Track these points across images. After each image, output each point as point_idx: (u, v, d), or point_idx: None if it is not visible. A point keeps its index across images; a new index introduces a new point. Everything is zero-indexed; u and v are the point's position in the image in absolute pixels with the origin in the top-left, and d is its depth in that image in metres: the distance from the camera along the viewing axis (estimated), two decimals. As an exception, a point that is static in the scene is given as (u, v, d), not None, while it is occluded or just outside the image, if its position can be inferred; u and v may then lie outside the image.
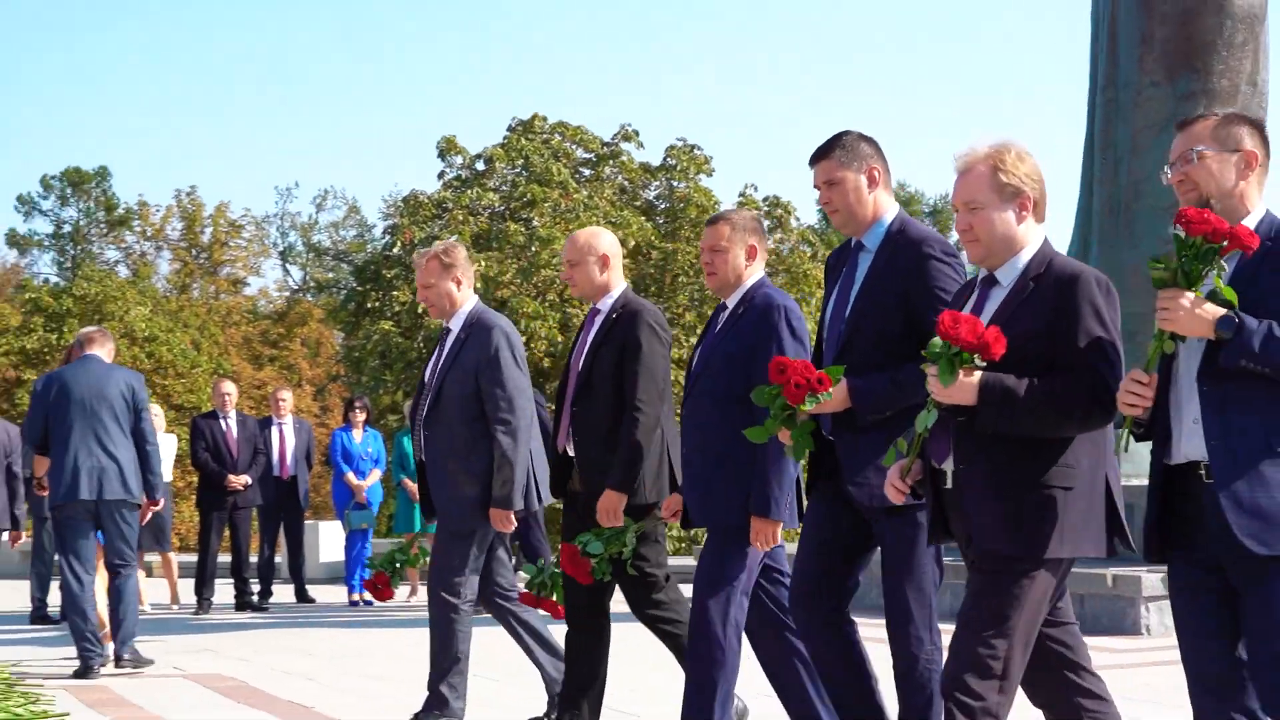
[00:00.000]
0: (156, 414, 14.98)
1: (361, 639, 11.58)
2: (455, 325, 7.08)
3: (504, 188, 33.45)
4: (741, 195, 36.78)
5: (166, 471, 14.45)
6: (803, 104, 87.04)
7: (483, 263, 28.15)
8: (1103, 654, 9.29)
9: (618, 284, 6.65)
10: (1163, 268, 3.96)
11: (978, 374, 4.27)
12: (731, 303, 5.90)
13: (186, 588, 15.01)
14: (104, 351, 9.76)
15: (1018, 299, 4.42)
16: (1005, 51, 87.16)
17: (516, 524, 7.11)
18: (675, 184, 35.40)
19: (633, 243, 32.29)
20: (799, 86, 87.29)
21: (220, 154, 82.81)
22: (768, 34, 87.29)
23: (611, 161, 35.30)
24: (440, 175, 34.87)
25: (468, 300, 7.15)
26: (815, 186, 5.35)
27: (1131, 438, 4.14)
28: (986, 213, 4.46)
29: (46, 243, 56.67)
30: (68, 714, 7.21)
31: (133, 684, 8.77)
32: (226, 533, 14.59)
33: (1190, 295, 3.90)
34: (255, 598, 14.49)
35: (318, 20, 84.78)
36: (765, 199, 36.41)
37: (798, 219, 37.54)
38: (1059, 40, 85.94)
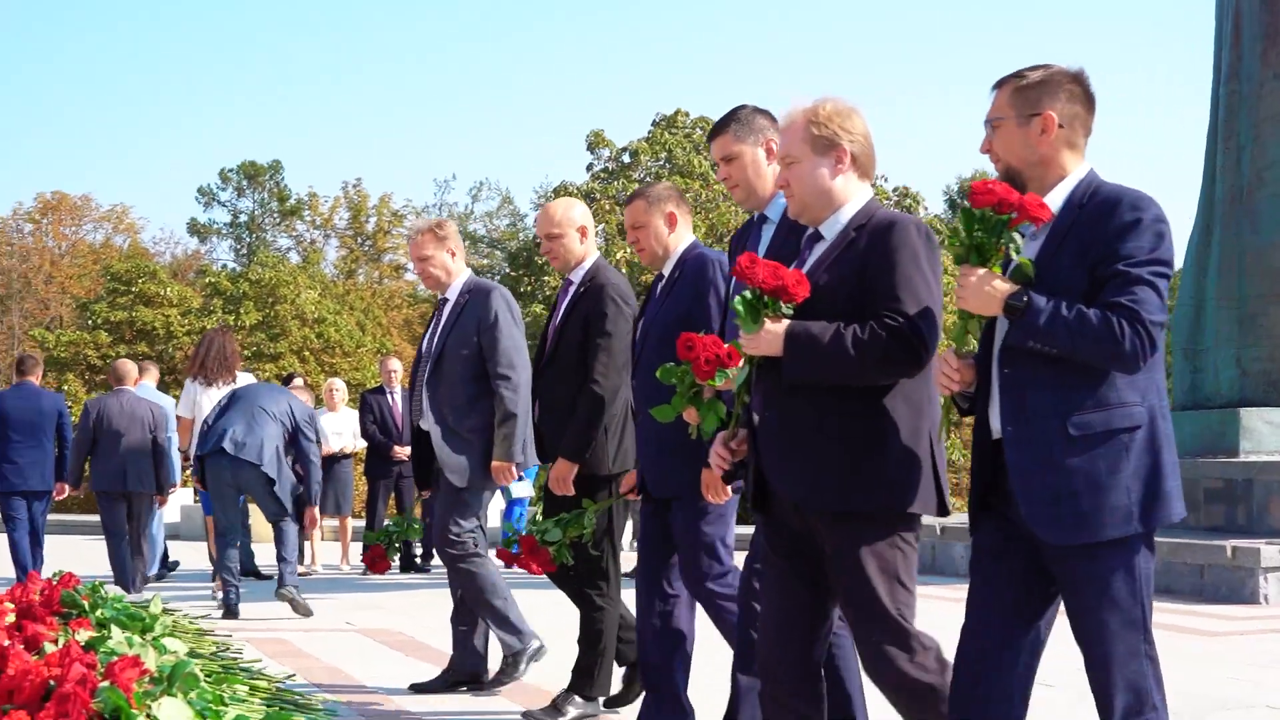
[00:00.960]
0: (338, 388, 15.71)
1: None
2: (452, 294, 7.02)
3: (648, 179, 33.84)
4: (872, 185, 36.79)
5: (350, 441, 15.17)
6: (933, 97, 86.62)
7: (628, 250, 28.62)
8: (1223, 622, 9.56)
9: (591, 255, 6.50)
10: (957, 243, 3.68)
11: (785, 322, 3.99)
12: (667, 270, 5.73)
13: (356, 550, 15.44)
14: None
15: (837, 251, 4.11)
16: (1131, 47, 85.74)
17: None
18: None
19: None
20: (929, 80, 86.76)
21: (384, 148, 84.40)
22: (871, 32, 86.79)
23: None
24: (589, 167, 35.48)
25: (462, 271, 7.10)
26: (714, 164, 5.15)
27: (956, 412, 3.92)
28: (801, 166, 4.16)
29: (224, 231, 57.93)
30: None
31: (308, 637, 9.09)
32: (392, 500, 14.90)
33: (981, 271, 3.61)
34: (419, 559, 14.74)
35: (473, 20, 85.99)
36: (895, 189, 36.38)
37: (925, 208, 37.53)
38: (1186, 36, 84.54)
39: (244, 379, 12.12)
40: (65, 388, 38.13)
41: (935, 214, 40.36)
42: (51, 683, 4.09)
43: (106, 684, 3.56)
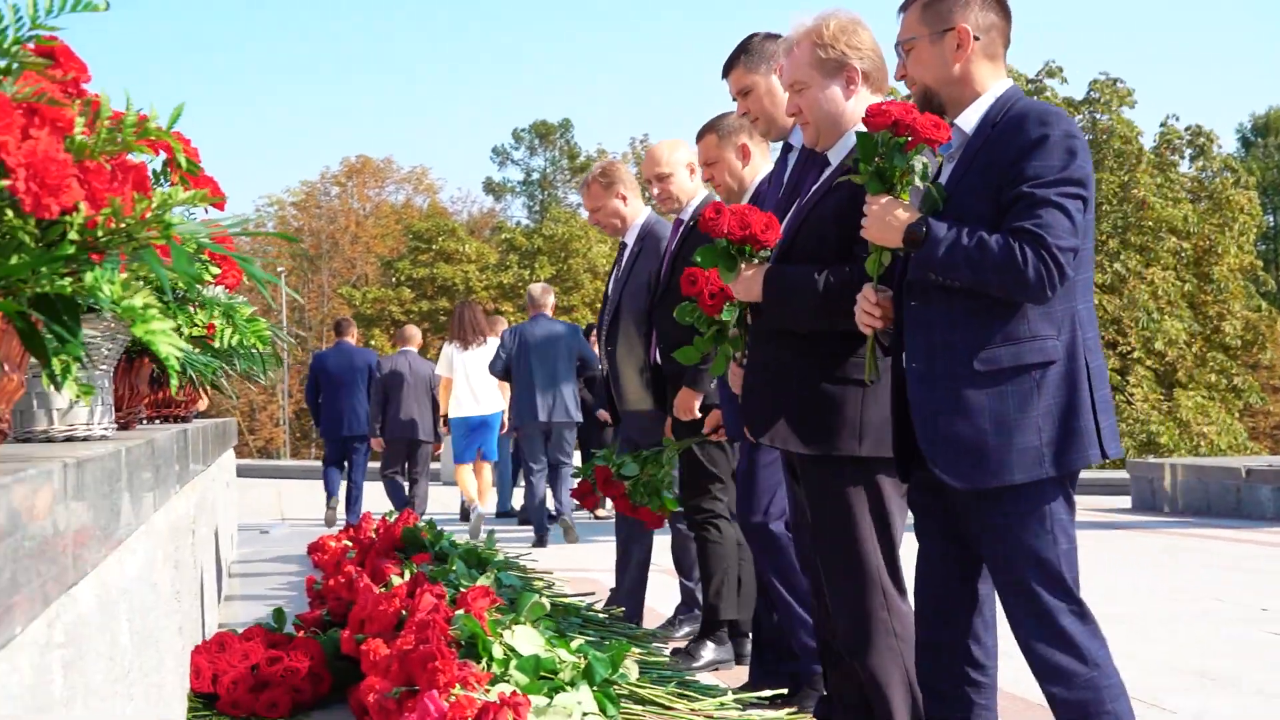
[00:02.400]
0: None
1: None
2: (630, 238, 6.61)
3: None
4: (1163, 125, 35.55)
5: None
6: (1225, 32, 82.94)
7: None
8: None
9: (700, 192, 6.06)
10: (863, 172, 3.33)
11: (764, 268, 3.78)
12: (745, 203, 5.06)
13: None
14: (548, 308, 11.92)
15: (836, 178, 3.80)
16: None
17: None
18: (1098, 117, 34.43)
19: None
20: (1220, 15, 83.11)
21: (670, 105, 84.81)
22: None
23: (1037, 96, 34.66)
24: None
25: (639, 212, 6.63)
26: (733, 99, 4.82)
27: (879, 353, 3.52)
28: (811, 92, 3.83)
29: (517, 189, 58.98)
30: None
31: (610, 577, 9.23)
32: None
33: (884, 199, 3.27)
34: None
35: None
36: (1187, 128, 35.09)
37: (1219, 147, 36.12)
38: None
39: (494, 344, 12.43)
40: (372, 342, 39.49)
41: (1229, 153, 38.68)
42: (403, 612, 4.20)
43: (461, 612, 3.61)
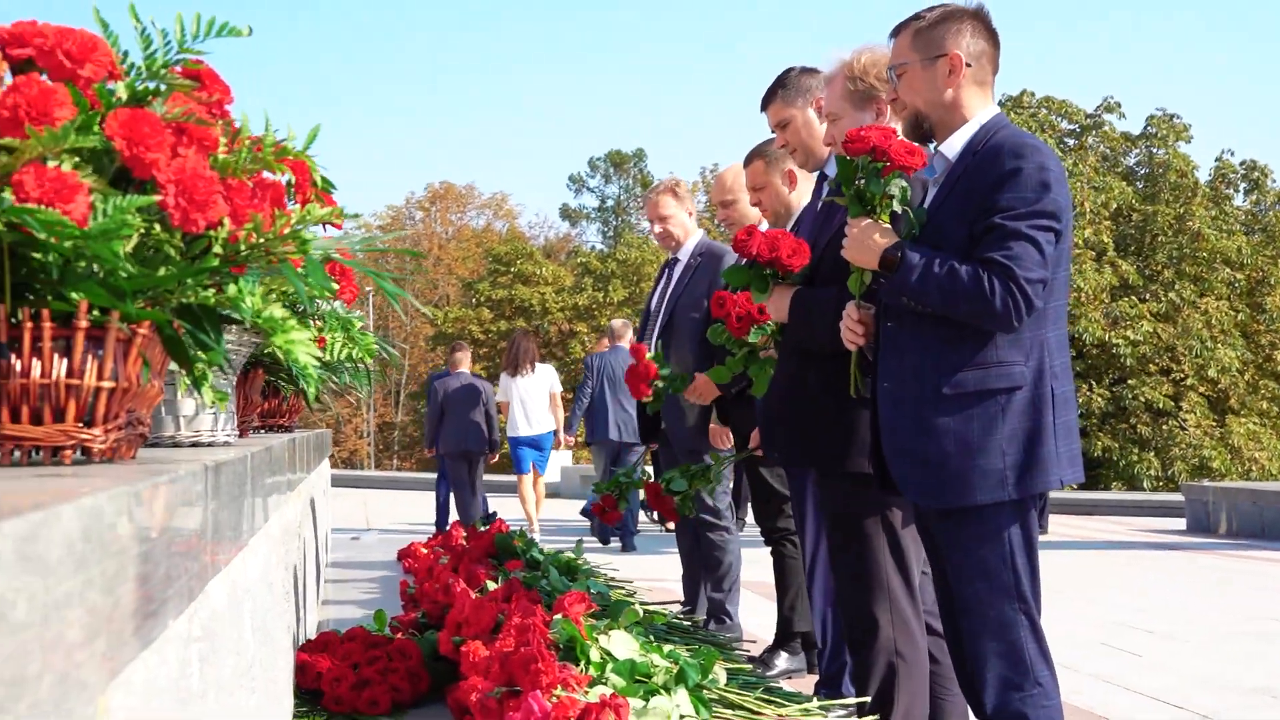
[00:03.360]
0: None
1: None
2: (684, 255, 6.54)
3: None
4: (1218, 159, 35.26)
5: None
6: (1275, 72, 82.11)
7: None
8: None
9: (752, 216, 5.85)
10: (845, 194, 3.30)
11: (792, 289, 3.78)
12: (788, 228, 5.03)
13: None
14: (625, 340, 12.66)
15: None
16: None
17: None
18: (1155, 151, 34.22)
19: (1114, 205, 31.52)
20: (1276, 51, 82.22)
21: (737, 135, 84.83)
22: (1244, 4, 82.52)
23: (1094, 131, 34.41)
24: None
25: (696, 232, 6.61)
26: (772, 131, 4.78)
27: (860, 371, 3.50)
28: (843, 122, 3.82)
29: (592, 215, 59.01)
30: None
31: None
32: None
33: (864, 223, 3.23)
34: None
35: (809, 9, 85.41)
36: (1242, 162, 34.81)
37: (1274, 180, 35.75)
38: None
39: (542, 369, 13.59)
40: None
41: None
42: (500, 616, 4.20)
43: (559, 616, 3.60)
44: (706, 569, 6.40)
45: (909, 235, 3.23)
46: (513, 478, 15.02)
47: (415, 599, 5.84)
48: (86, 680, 1.09)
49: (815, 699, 4.06)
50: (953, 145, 3.27)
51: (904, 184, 3.25)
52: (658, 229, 6.68)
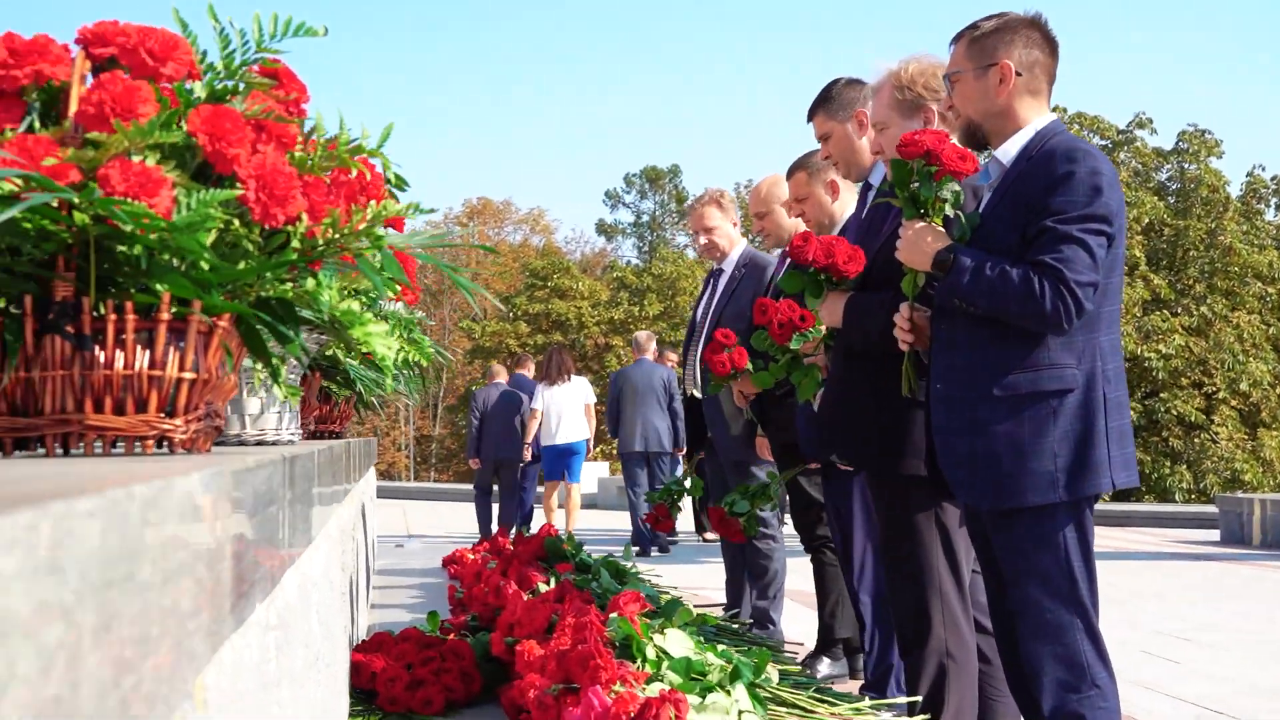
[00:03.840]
0: None
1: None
2: (729, 266, 6.53)
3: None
4: (1249, 175, 35.11)
5: None
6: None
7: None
8: None
9: (800, 226, 5.74)
10: (900, 197, 3.31)
11: (846, 294, 3.78)
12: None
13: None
14: (650, 353, 13.09)
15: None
16: None
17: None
18: (1186, 166, 34.04)
19: (1146, 220, 31.37)
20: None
21: (771, 152, 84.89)
22: (1275, 21, 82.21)
23: (1126, 147, 34.25)
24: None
25: (740, 243, 6.57)
26: (817, 141, 4.75)
27: (914, 372, 3.49)
28: (890, 131, 3.83)
29: (628, 230, 58.96)
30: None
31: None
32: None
33: (918, 225, 3.24)
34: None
35: (863, 22, 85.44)
36: (1273, 177, 34.67)
37: (1304, 196, 35.71)
38: None
39: (577, 381, 13.77)
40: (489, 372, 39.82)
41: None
42: (553, 616, 4.19)
43: (615, 615, 3.60)
44: (752, 576, 6.39)
45: (961, 238, 3.23)
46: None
47: (464, 603, 5.84)
48: (195, 650, 1.09)
49: (866, 699, 4.04)
50: (1007, 151, 3.27)
51: (956, 188, 3.25)
52: (703, 240, 6.64)
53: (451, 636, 4.71)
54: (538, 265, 45.80)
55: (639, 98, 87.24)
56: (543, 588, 4.86)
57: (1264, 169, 35.07)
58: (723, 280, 6.55)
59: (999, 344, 3.15)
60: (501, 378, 14.13)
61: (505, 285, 52.28)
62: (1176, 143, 34.05)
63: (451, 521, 17.06)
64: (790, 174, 5.37)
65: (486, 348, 42.81)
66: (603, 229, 58.21)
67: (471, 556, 7.52)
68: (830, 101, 4.65)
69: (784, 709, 3.31)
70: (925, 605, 3.73)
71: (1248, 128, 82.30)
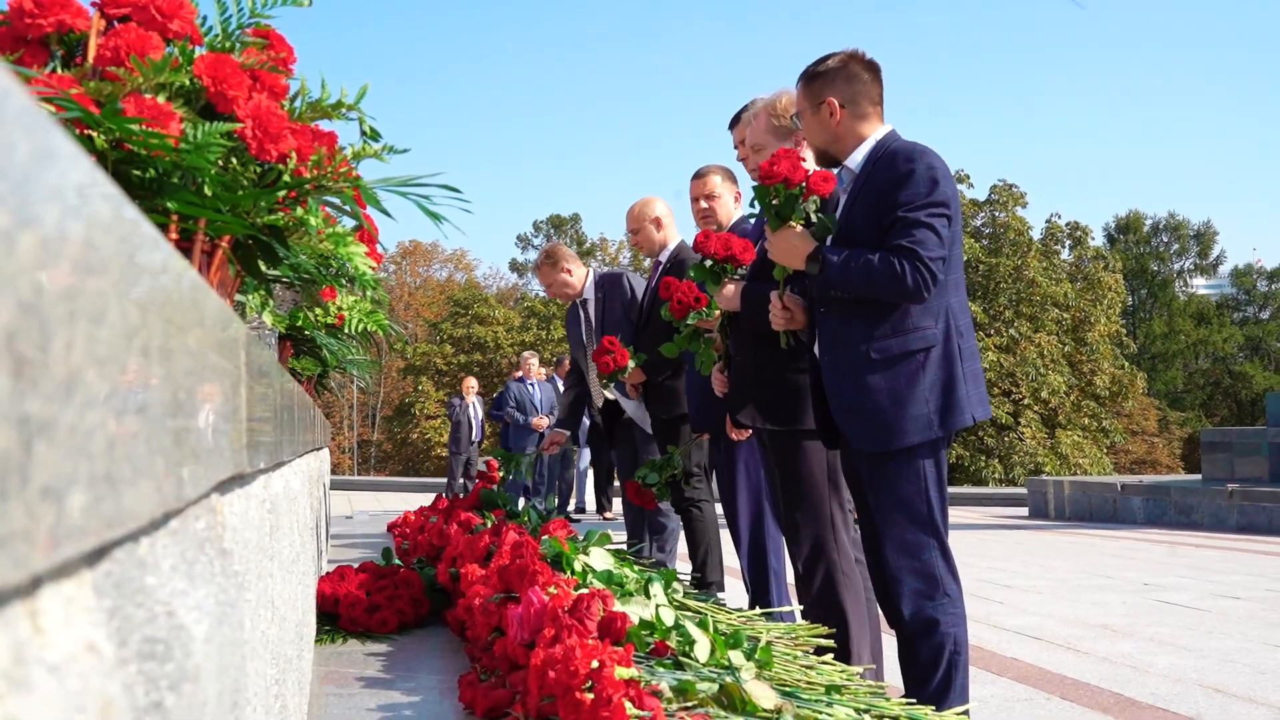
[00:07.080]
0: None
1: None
2: (589, 293, 6.48)
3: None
4: (1048, 221, 35.83)
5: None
6: (1099, 145, 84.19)
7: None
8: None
9: (673, 239, 5.88)
10: (766, 214, 3.35)
11: (742, 283, 3.80)
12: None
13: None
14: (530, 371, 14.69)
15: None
16: None
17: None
18: (997, 214, 34.68)
19: (965, 259, 31.96)
20: (1097, 129, 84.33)
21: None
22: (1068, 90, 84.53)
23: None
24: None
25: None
26: (735, 148, 4.67)
27: (788, 335, 3.56)
28: (766, 152, 3.88)
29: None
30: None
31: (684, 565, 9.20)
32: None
33: (784, 231, 3.29)
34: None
35: (730, 94, 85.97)
36: (1067, 223, 35.43)
37: (1092, 239, 36.53)
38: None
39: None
40: (419, 387, 39.54)
41: (1099, 244, 39.16)
42: (491, 547, 4.14)
43: (546, 537, 3.57)
44: (653, 531, 6.38)
45: (823, 236, 3.28)
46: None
47: (409, 551, 5.74)
48: (223, 449, 1.04)
49: (755, 609, 4.02)
50: (855, 159, 3.32)
51: (818, 200, 3.31)
52: (548, 293, 6.62)
53: (402, 569, 4.63)
54: (460, 296, 45.51)
55: (546, 155, 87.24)
56: (479, 528, 4.79)
57: (1060, 216, 35.95)
58: (590, 306, 6.50)
59: (870, 317, 3.20)
60: (470, 394, 16.36)
61: (433, 314, 51.89)
62: (989, 195, 34.65)
63: (390, 505, 16.80)
64: (703, 174, 5.26)
65: (417, 365, 42.42)
66: (515, 266, 58.09)
67: (413, 517, 7.37)
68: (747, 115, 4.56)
69: (689, 613, 3.28)
70: (818, 530, 3.76)
71: (1048, 183, 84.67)
